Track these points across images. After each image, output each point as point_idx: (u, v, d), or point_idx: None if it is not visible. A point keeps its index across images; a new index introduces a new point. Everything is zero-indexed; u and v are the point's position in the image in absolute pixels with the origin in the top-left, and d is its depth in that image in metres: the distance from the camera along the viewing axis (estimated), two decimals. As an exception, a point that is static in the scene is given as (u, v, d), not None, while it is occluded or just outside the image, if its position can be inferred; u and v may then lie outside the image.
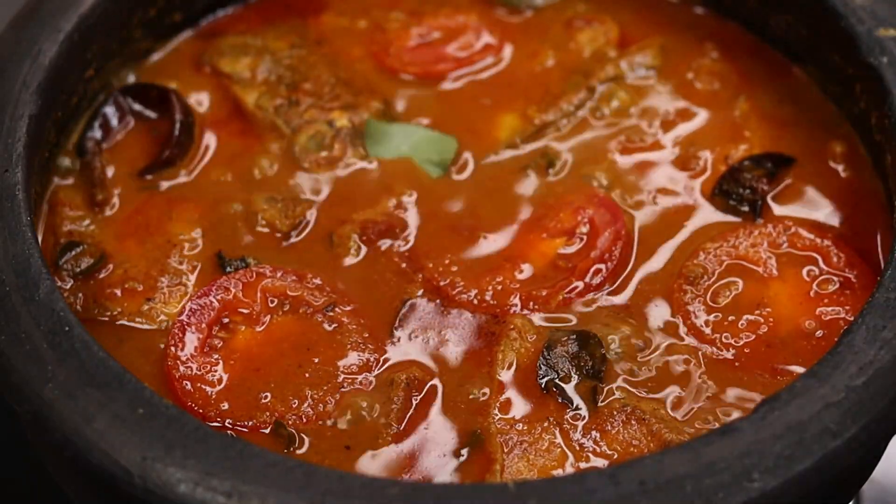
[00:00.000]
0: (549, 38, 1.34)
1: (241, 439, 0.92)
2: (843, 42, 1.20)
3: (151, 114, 1.27)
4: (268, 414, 1.03)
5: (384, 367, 1.07)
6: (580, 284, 1.11)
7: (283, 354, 1.07)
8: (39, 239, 1.11)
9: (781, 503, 0.89)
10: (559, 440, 1.02)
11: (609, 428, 1.02)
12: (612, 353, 1.06)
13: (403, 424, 1.03)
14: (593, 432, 1.02)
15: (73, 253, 1.14)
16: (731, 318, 1.09)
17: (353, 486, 0.88)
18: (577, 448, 1.01)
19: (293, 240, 1.17)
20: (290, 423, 1.03)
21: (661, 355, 1.07)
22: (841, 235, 1.15)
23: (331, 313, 1.10)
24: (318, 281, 1.12)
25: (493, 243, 1.15)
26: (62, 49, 1.17)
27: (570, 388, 1.05)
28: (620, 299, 1.11)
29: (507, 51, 1.34)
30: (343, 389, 1.05)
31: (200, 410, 1.03)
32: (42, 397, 0.94)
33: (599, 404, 1.04)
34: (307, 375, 1.06)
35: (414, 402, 1.04)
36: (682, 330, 1.09)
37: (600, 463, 1.01)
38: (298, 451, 1.02)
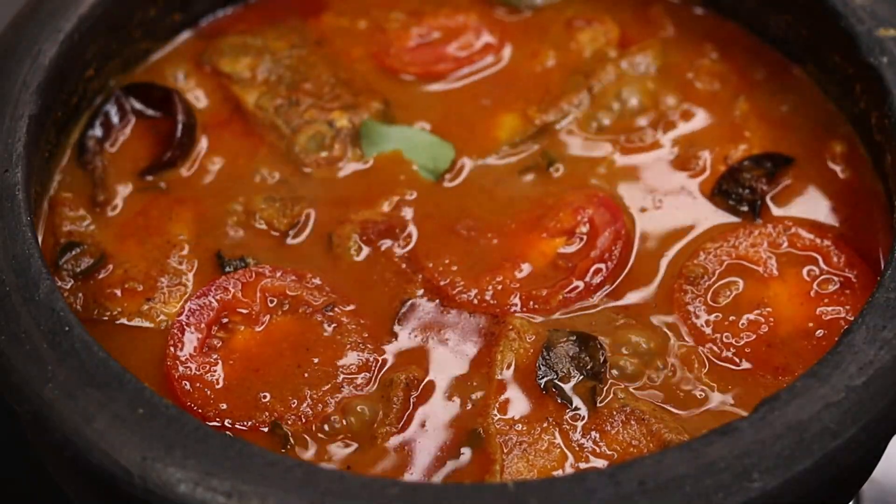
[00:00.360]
0: (550, 38, 1.34)
1: (240, 439, 0.92)
2: (843, 42, 1.20)
3: (153, 113, 1.27)
4: (267, 414, 1.03)
5: (384, 368, 1.07)
6: (580, 284, 1.11)
7: (283, 354, 1.07)
8: (39, 239, 1.11)
9: (781, 503, 0.89)
10: (559, 440, 1.02)
11: (609, 428, 1.02)
12: (610, 353, 1.07)
13: (402, 424, 1.03)
14: (593, 432, 1.02)
15: (73, 253, 1.14)
16: (731, 317, 1.09)
17: (353, 486, 0.88)
18: (577, 448, 1.01)
19: (293, 240, 1.17)
20: (289, 423, 1.03)
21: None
22: (841, 235, 1.15)
23: (330, 313, 1.10)
24: (317, 281, 1.12)
25: (492, 243, 1.15)
26: (62, 49, 1.17)
27: (569, 389, 1.05)
28: (620, 299, 1.11)
29: (507, 51, 1.34)
30: (342, 389, 1.05)
31: (200, 410, 1.03)
32: (42, 397, 0.94)
33: (599, 404, 1.04)
34: (306, 375, 1.06)
35: (413, 402, 1.04)
36: (683, 330, 1.09)
37: (600, 463, 1.01)
38: (297, 452, 1.01)
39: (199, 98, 1.28)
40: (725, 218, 1.18)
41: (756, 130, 1.24)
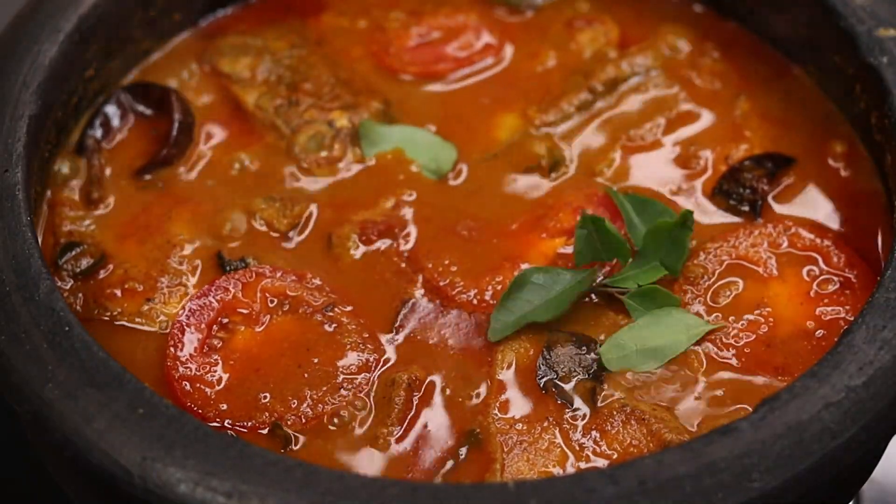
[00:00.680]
0: (550, 38, 1.34)
1: (240, 439, 0.92)
2: (843, 42, 1.20)
3: (152, 113, 1.27)
4: (267, 414, 1.03)
5: (384, 368, 1.07)
6: (580, 284, 1.11)
7: (283, 354, 1.07)
8: (39, 239, 1.11)
9: (781, 503, 0.89)
10: (559, 440, 1.02)
11: (609, 428, 1.02)
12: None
13: (404, 424, 1.03)
14: (593, 432, 1.02)
15: (73, 253, 1.14)
16: (731, 318, 1.09)
17: (353, 486, 0.88)
18: (577, 448, 1.02)
19: (293, 240, 1.17)
20: (289, 423, 1.03)
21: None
22: (841, 235, 1.15)
23: (330, 313, 1.10)
24: (317, 281, 1.12)
25: (492, 243, 1.15)
26: (62, 49, 1.17)
27: (569, 389, 1.05)
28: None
29: (508, 51, 1.34)
30: (343, 390, 1.05)
31: (200, 410, 1.03)
32: (42, 397, 0.94)
33: (599, 404, 1.04)
34: (307, 376, 1.06)
35: (414, 402, 1.04)
36: (683, 330, 1.09)
37: (600, 463, 1.01)
38: (297, 452, 1.02)
39: (198, 98, 1.28)
40: (726, 218, 1.18)
41: (757, 130, 1.24)
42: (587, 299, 1.11)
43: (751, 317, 1.09)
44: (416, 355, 1.07)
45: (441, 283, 1.12)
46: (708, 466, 0.89)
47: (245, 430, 1.03)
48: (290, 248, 1.16)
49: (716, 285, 1.12)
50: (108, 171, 1.21)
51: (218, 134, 1.26)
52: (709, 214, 1.18)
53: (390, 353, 1.08)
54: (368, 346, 1.08)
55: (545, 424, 1.03)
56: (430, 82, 1.31)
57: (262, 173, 1.22)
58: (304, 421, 1.03)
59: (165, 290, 1.12)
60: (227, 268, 1.13)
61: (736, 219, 1.17)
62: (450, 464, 1.01)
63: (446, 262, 1.13)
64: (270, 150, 1.24)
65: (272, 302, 1.11)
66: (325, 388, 1.05)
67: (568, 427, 1.02)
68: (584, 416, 1.03)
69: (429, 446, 1.02)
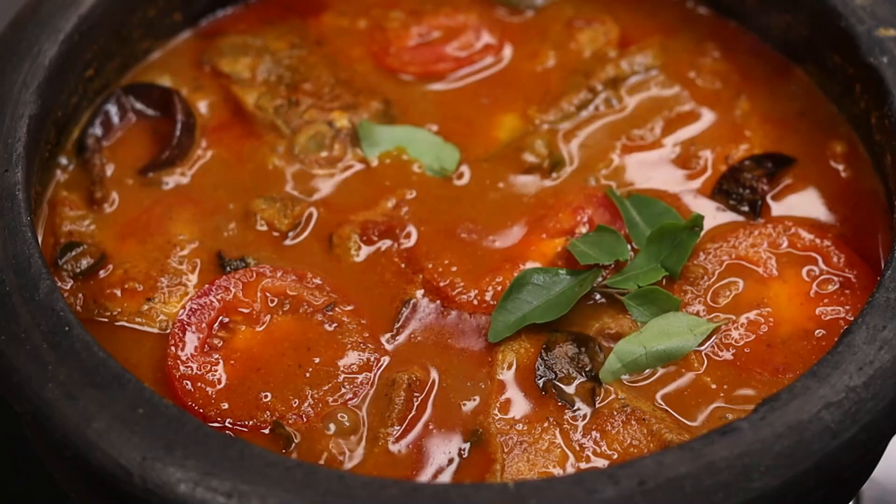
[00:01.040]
0: (550, 38, 1.34)
1: (241, 439, 0.92)
2: (843, 42, 1.20)
3: (153, 113, 1.27)
4: (268, 414, 1.03)
5: (385, 367, 1.07)
6: (580, 284, 1.11)
7: (284, 354, 1.07)
8: (39, 239, 1.11)
9: (781, 503, 0.89)
10: (559, 440, 1.02)
11: (609, 428, 1.02)
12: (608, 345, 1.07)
13: (404, 424, 1.03)
14: (593, 432, 1.02)
15: (73, 253, 1.14)
16: (731, 318, 1.09)
17: (353, 486, 0.88)
18: (578, 448, 1.02)
19: (293, 240, 1.17)
20: (290, 422, 1.03)
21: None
22: (841, 235, 1.15)
23: (331, 313, 1.10)
24: (317, 281, 1.12)
25: (492, 244, 1.15)
26: (62, 49, 1.17)
27: (569, 389, 1.05)
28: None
29: (507, 51, 1.34)
30: (343, 389, 1.05)
31: (201, 410, 1.03)
32: (42, 397, 0.94)
33: (599, 405, 1.04)
34: (307, 375, 1.06)
35: (415, 403, 1.04)
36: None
37: (600, 463, 1.01)
38: (297, 452, 1.02)
39: (198, 98, 1.28)
40: (726, 218, 1.18)
41: (757, 130, 1.24)
42: (588, 299, 1.11)
43: (751, 317, 1.09)
44: (416, 355, 1.08)
45: (441, 284, 1.12)
46: (708, 466, 0.89)
47: (246, 430, 1.03)
48: (291, 247, 1.16)
49: (716, 285, 1.12)
50: (108, 171, 1.21)
51: (218, 134, 1.26)
52: (709, 214, 1.18)
53: (391, 352, 1.08)
54: (369, 345, 1.08)
55: (545, 425, 1.03)
56: (431, 82, 1.31)
57: (263, 173, 1.22)
58: (305, 420, 1.03)
59: (165, 289, 1.12)
60: (228, 267, 1.13)
61: (736, 219, 1.17)
62: (450, 464, 1.01)
63: (446, 262, 1.13)
64: (270, 150, 1.24)
65: (273, 301, 1.11)
66: (325, 388, 1.05)
67: (568, 427, 1.03)
68: (585, 416, 1.03)
69: (429, 446, 1.02)
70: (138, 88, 1.28)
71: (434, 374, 1.06)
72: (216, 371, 1.06)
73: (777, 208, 1.18)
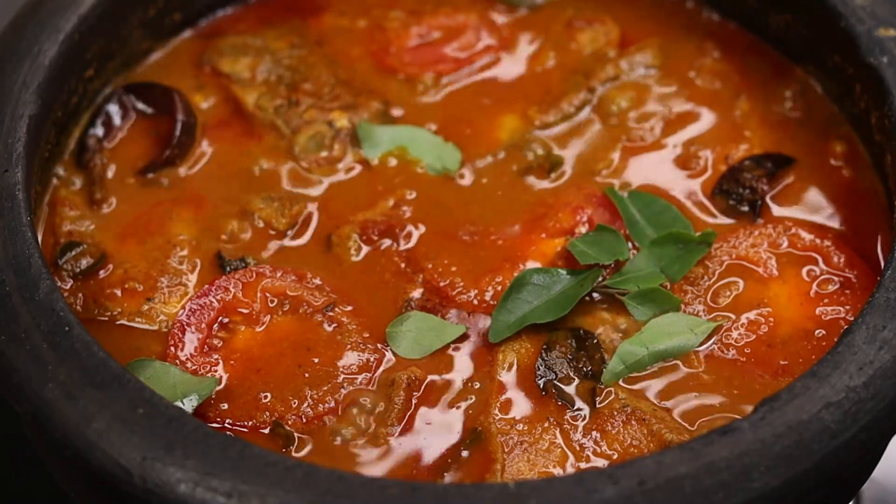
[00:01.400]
0: (550, 39, 1.34)
1: (240, 439, 0.92)
2: (843, 42, 1.20)
3: (154, 112, 1.27)
4: (267, 414, 1.03)
5: (384, 368, 1.07)
6: (580, 284, 1.11)
7: (283, 354, 1.07)
8: (39, 239, 1.11)
9: (781, 503, 0.89)
10: (559, 440, 1.02)
11: (609, 428, 1.02)
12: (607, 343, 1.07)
13: (403, 424, 1.03)
14: (594, 432, 1.02)
15: (73, 253, 1.14)
16: (731, 317, 1.09)
17: (353, 486, 0.88)
18: (578, 448, 1.02)
19: (293, 240, 1.17)
20: (289, 423, 1.03)
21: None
22: (841, 236, 1.15)
23: (330, 313, 1.10)
24: (317, 281, 1.12)
25: (492, 243, 1.15)
26: (62, 49, 1.17)
27: (569, 389, 1.05)
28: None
29: (508, 51, 1.33)
30: (343, 389, 1.05)
31: (200, 410, 1.03)
32: (42, 397, 0.94)
33: (599, 405, 1.04)
34: (307, 375, 1.06)
35: (414, 402, 1.04)
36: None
37: (601, 463, 1.01)
38: (297, 452, 1.02)
39: (198, 98, 1.28)
40: (725, 218, 1.18)
41: (757, 130, 1.24)
42: (587, 298, 1.11)
43: (751, 317, 1.09)
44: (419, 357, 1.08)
45: (441, 284, 1.12)
46: (708, 466, 0.89)
47: (245, 430, 1.03)
48: (291, 247, 1.16)
49: (716, 285, 1.12)
50: (109, 172, 1.21)
51: (218, 134, 1.26)
52: (709, 214, 1.18)
53: (390, 353, 1.08)
54: (368, 345, 1.08)
55: (546, 425, 1.03)
56: (430, 82, 1.31)
57: (262, 173, 1.22)
58: (304, 420, 1.03)
59: (165, 289, 1.12)
60: (227, 268, 1.13)
61: (736, 219, 1.17)
62: (450, 464, 1.01)
63: (446, 262, 1.13)
64: (270, 150, 1.24)
65: (272, 302, 1.11)
66: (325, 388, 1.05)
67: (568, 427, 1.03)
68: (585, 416, 1.03)
69: (429, 446, 1.02)
70: (139, 88, 1.28)
71: (433, 374, 1.06)
72: (216, 371, 1.06)
73: (777, 208, 1.18)
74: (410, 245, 1.16)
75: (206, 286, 1.10)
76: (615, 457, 1.01)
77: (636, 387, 1.05)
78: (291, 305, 1.10)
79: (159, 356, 1.07)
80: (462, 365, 1.07)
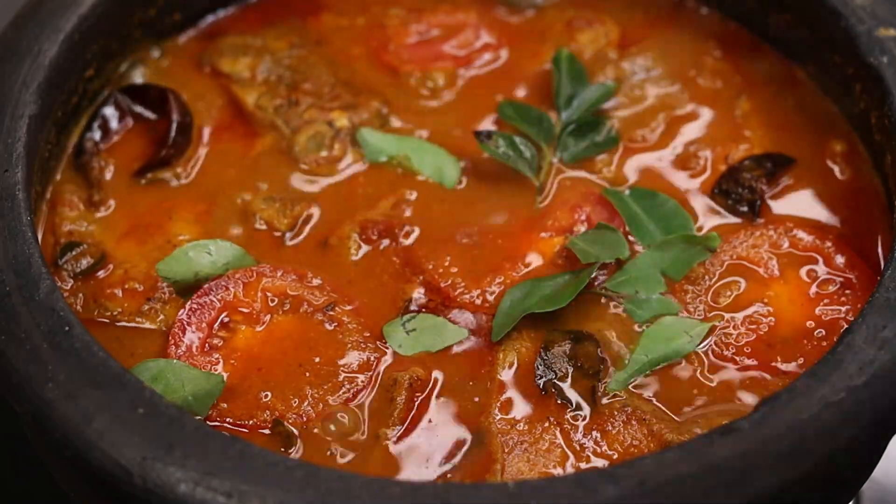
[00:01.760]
0: (550, 39, 1.34)
1: (241, 439, 0.92)
2: (843, 42, 1.20)
3: (150, 114, 1.27)
4: (268, 413, 1.03)
5: (385, 367, 1.07)
6: (580, 284, 1.11)
7: (284, 354, 1.07)
8: (39, 239, 1.11)
9: (781, 503, 0.89)
10: (560, 440, 1.02)
11: (609, 428, 1.02)
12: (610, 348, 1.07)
13: (405, 424, 1.03)
14: (594, 432, 1.02)
15: (74, 253, 1.14)
16: (731, 317, 1.09)
17: (353, 486, 0.89)
18: (578, 448, 1.02)
19: (294, 240, 1.17)
20: (290, 422, 1.03)
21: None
22: (841, 236, 1.15)
23: (331, 312, 1.10)
24: (318, 280, 1.12)
25: (492, 243, 1.15)
26: (62, 49, 1.17)
27: (569, 389, 1.05)
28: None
29: (507, 50, 1.34)
30: (344, 389, 1.05)
31: (201, 410, 1.03)
32: (42, 397, 0.94)
33: (599, 404, 1.04)
34: (308, 375, 1.06)
35: (416, 402, 1.04)
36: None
37: (601, 463, 1.01)
38: (297, 451, 1.02)
39: (198, 98, 1.28)
40: (726, 218, 1.18)
41: (757, 130, 1.24)
42: (587, 299, 1.11)
43: (751, 317, 1.09)
44: (417, 355, 1.07)
45: (443, 285, 1.11)
46: (708, 466, 0.89)
47: (246, 430, 1.03)
48: (291, 247, 1.16)
49: (717, 285, 1.12)
50: (108, 174, 1.21)
51: (217, 134, 1.26)
52: (708, 215, 1.18)
53: (391, 352, 1.08)
54: (369, 345, 1.08)
55: (546, 425, 1.03)
56: (430, 80, 1.31)
57: (263, 173, 1.22)
58: (305, 420, 1.03)
59: (165, 289, 1.12)
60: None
61: (735, 219, 1.17)
62: (450, 464, 1.01)
63: (447, 262, 1.13)
64: (270, 150, 1.24)
65: (273, 301, 1.11)
66: (326, 387, 1.05)
67: (569, 427, 1.03)
68: (585, 416, 1.03)
69: (429, 446, 1.02)
70: (135, 90, 1.28)
71: (434, 374, 1.06)
72: (216, 370, 1.06)
73: (777, 208, 1.18)
74: (410, 245, 1.16)
75: (206, 286, 1.10)
76: (615, 457, 1.01)
77: (636, 386, 1.05)
78: (292, 305, 1.10)
79: (159, 356, 1.07)
80: (463, 364, 1.07)
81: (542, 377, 1.05)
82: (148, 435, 0.91)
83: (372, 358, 1.07)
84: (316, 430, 1.02)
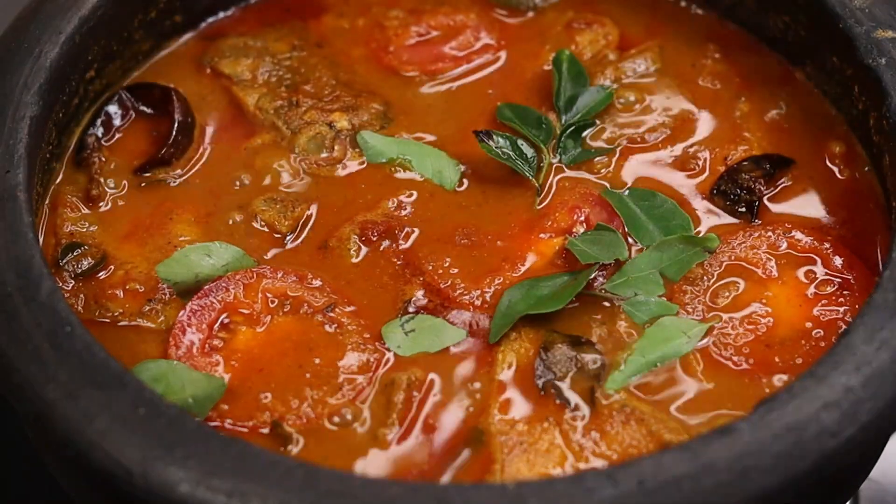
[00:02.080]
0: (550, 40, 1.34)
1: (241, 439, 0.93)
2: (841, 43, 1.20)
3: (153, 113, 1.27)
4: (268, 414, 1.03)
5: (385, 368, 1.07)
6: (579, 284, 1.11)
7: (284, 355, 1.08)
8: (41, 240, 1.11)
9: (780, 503, 0.90)
10: (559, 441, 1.02)
11: (609, 428, 1.02)
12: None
13: (404, 425, 1.03)
14: (593, 433, 1.02)
15: (75, 254, 1.14)
16: (729, 317, 1.10)
17: (353, 486, 0.89)
18: (577, 448, 1.02)
19: (294, 241, 1.17)
20: (289, 423, 1.03)
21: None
22: (840, 237, 1.15)
23: (331, 314, 1.10)
24: (318, 282, 1.12)
25: (492, 244, 1.16)
26: (63, 50, 1.18)
27: (568, 390, 1.05)
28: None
29: (507, 52, 1.34)
30: (344, 390, 1.05)
31: (201, 410, 1.04)
32: (43, 398, 0.94)
33: (598, 405, 1.04)
34: (308, 376, 1.06)
35: (414, 403, 1.04)
36: (682, 330, 1.09)
37: (600, 463, 1.01)
38: (298, 452, 1.02)
39: (199, 99, 1.29)
40: (724, 219, 1.18)
41: (756, 131, 1.25)
42: (586, 301, 1.11)
43: (750, 317, 1.09)
44: (416, 356, 1.08)
45: (442, 286, 1.12)
46: (707, 466, 0.89)
47: (246, 430, 1.03)
48: (291, 248, 1.16)
49: (715, 286, 1.12)
50: (109, 172, 1.22)
51: (218, 135, 1.26)
52: (707, 215, 1.18)
53: (391, 353, 1.08)
54: (369, 346, 1.08)
55: (545, 425, 1.03)
56: (430, 82, 1.31)
57: (263, 174, 1.22)
58: (305, 420, 1.03)
59: (166, 290, 1.12)
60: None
61: (733, 220, 1.17)
62: (450, 464, 1.01)
63: (446, 263, 1.13)
64: (271, 151, 1.24)
65: (273, 302, 1.11)
66: (326, 388, 1.05)
67: (568, 428, 1.03)
68: (584, 416, 1.03)
69: (429, 446, 1.02)
70: (139, 88, 1.28)
71: (434, 375, 1.07)
72: (217, 371, 1.06)
73: (776, 209, 1.18)
74: (410, 246, 1.16)
75: (207, 287, 1.11)
76: (615, 457, 1.01)
77: (635, 387, 1.05)
78: (292, 306, 1.11)
79: (160, 357, 1.07)
80: (462, 365, 1.07)
81: (541, 378, 1.05)
82: (149, 435, 0.91)
83: (372, 359, 1.07)
84: (315, 430, 1.03)
